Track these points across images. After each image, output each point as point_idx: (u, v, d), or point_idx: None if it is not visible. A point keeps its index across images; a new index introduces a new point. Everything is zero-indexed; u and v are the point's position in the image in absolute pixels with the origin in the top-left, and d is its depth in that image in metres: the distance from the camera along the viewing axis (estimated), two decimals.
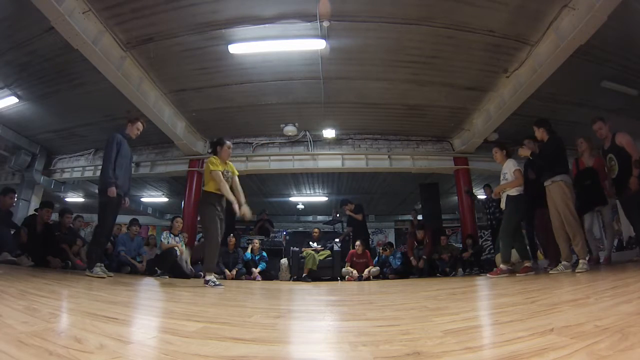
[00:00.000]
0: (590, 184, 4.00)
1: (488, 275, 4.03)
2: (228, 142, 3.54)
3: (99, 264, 3.61)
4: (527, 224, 4.87)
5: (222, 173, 3.36)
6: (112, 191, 3.64)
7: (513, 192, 3.98)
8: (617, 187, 3.80)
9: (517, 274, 3.83)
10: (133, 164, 6.95)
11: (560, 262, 3.64)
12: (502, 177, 4.17)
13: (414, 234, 6.36)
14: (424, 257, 5.96)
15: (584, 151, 4.37)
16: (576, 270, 3.27)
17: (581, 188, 3.96)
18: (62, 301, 1.68)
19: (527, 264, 4.01)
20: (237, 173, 3.59)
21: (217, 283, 3.21)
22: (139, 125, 4.11)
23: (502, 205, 4.14)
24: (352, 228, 6.97)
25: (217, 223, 3.32)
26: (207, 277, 3.24)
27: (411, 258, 5.84)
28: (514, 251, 4.49)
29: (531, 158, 3.87)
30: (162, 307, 1.73)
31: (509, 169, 4.06)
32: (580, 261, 3.33)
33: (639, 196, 3.50)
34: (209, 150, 3.57)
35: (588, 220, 4.21)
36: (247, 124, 6.93)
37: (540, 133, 3.88)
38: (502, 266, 4.02)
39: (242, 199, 3.49)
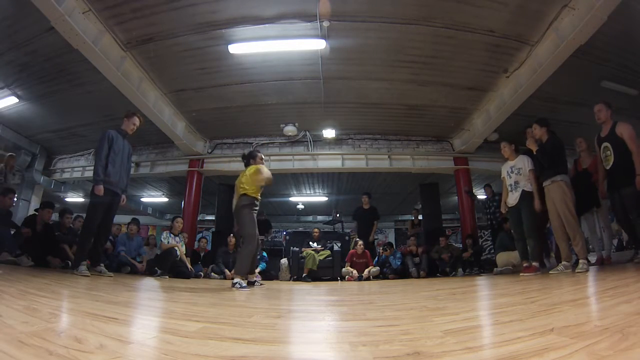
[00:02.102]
0: (584, 187, 3.95)
1: (521, 274, 3.91)
2: (259, 153, 3.73)
3: (83, 263, 3.58)
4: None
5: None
6: (99, 189, 3.57)
7: (531, 189, 3.95)
8: (610, 180, 3.59)
9: (521, 274, 3.83)
10: (133, 164, 6.97)
11: (561, 262, 3.64)
12: (513, 172, 4.09)
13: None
14: (423, 270, 5.91)
15: (582, 151, 4.35)
16: (576, 270, 3.27)
17: (577, 190, 3.93)
18: (62, 301, 1.67)
19: (526, 263, 4.01)
20: None
21: (244, 285, 3.11)
22: (135, 120, 4.05)
23: (513, 202, 4.07)
24: (359, 224, 6.91)
25: (256, 226, 3.41)
26: (235, 280, 3.15)
27: (412, 270, 5.84)
28: (515, 253, 4.48)
29: (535, 154, 3.79)
30: (162, 307, 1.73)
31: (524, 164, 4.01)
32: (580, 261, 3.33)
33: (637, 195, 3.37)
34: (244, 161, 3.73)
35: (590, 220, 4.20)
36: (247, 124, 6.93)
37: (541, 132, 3.84)
38: (534, 263, 3.89)
39: None
